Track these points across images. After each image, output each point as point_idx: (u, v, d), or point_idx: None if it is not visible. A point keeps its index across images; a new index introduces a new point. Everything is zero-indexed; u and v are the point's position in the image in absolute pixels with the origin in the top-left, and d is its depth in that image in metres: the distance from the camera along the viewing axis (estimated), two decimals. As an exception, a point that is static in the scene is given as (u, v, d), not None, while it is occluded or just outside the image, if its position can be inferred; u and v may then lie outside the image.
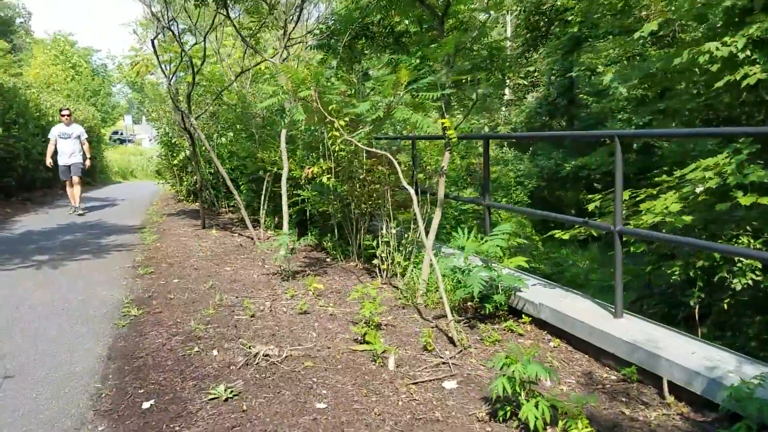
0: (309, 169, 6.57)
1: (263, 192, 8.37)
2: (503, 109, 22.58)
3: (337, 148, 6.27)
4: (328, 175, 6.47)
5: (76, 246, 7.91)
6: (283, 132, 7.22)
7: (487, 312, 4.47)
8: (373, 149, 5.45)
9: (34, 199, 13.51)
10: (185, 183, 11.99)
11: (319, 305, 5.07)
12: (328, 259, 6.99)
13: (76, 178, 11.06)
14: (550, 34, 18.85)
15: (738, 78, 4.32)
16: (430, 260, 5.31)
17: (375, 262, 5.89)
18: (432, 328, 4.48)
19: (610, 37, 14.27)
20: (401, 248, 5.88)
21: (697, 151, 6.18)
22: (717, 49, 4.45)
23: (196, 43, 8.97)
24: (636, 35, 7.99)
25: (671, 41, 11.40)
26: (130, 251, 7.52)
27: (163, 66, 10.00)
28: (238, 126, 10.54)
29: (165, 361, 3.88)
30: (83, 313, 4.92)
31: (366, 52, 9.13)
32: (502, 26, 23.12)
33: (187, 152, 11.10)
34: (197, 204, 11.84)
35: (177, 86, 11.82)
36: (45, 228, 9.52)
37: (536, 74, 20.41)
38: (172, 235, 8.60)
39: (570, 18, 12.79)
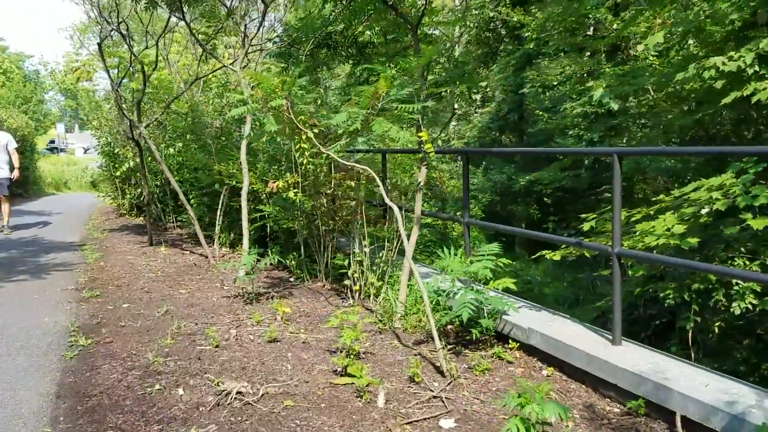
0: (274, 183, 6.18)
1: (219, 207, 7.88)
2: (454, 123, 22.67)
3: (305, 161, 5.92)
4: (295, 190, 6.10)
5: (12, 265, 7.19)
6: (244, 143, 6.81)
7: (473, 337, 4.21)
8: (353, 163, 5.13)
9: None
10: (128, 196, 11.29)
11: (289, 331, 4.68)
12: (291, 279, 6.58)
13: (2, 196, 9.94)
14: (500, 51, 19.11)
15: (746, 94, 4.27)
16: (415, 282, 5.04)
17: (346, 282, 5.54)
18: (415, 356, 4.17)
19: (561, 54, 14.53)
20: (374, 268, 5.56)
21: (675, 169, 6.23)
22: (723, 63, 4.39)
23: (146, 47, 8.41)
24: (640, 48, 8.03)
25: (625, 58, 11.64)
26: (71, 271, 6.88)
27: (109, 71, 9.41)
28: (188, 136, 10.01)
29: (123, 400, 3.41)
30: (25, 342, 4.35)
31: (327, 62, 8.84)
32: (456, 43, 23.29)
33: (131, 163, 10.45)
34: (142, 218, 11.18)
35: (122, 93, 11.17)
36: (-28, 244, 8.68)
37: (487, 90, 20.59)
38: (116, 252, 7.97)
39: (526, 35, 12.89)
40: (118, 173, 10.49)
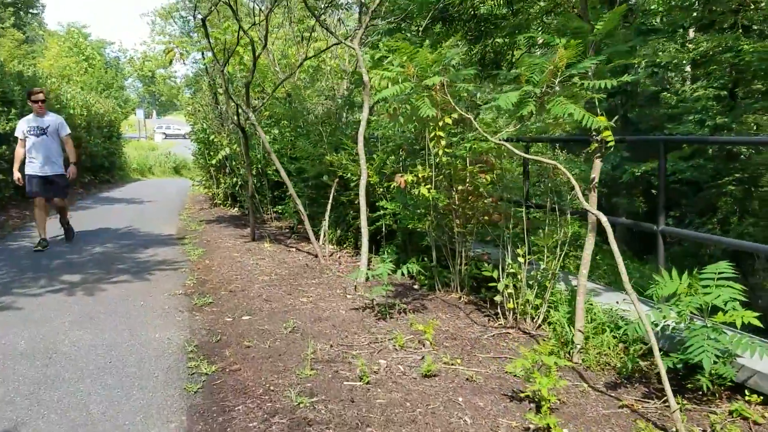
0: (401, 177, 5.33)
1: (328, 200, 7.15)
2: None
3: (440, 152, 5.06)
4: (428, 185, 5.24)
5: (111, 262, 6.72)
6: (362, 131, 6.03)
7: (705, 388, 3.22)
8: (540, 157, 4.20)
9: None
10: (222, 185, 10.79)
11: (444, 361, 3.84)
12: (416, 287, 5.76)
13: (59, 201, 7.80)
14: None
15: None
16: (580, 303, 4.09)
17: (497, 299, 4.64)
18: (621, 409, 3.24)
19: (681, 30, 12.98)
20: (531, 282, 4.64)
21: None
22: None
23: (253, 24, 7.71)
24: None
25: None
26: (175, 270, 6.32)
27: (213, 49, 8.84)
28: (283, 122, 9.35)
29: (274, 466, 2.67)
30: (137, 369, 3.71)
31: (441, 39, 7.91)
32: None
33: (227, 151, 9.91)
34: (237, 209, 10.69)
35: (214, 77, 10.65)
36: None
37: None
38: (219, 248, 7.40)
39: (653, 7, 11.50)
40: (213, 161, 9.98)
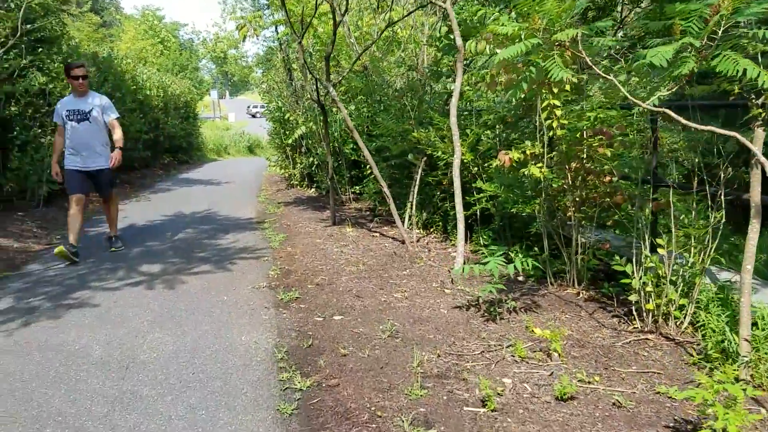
0: (506, 154, 4.64)
1: (413, 181, 6.55)
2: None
3: (555, 124, 4.33)
4: (539, 164, 4.54)
5: (191, 249, 6.42)
6: (454, 102, 5.35)
7: None
8: (713, 128, 3.42)
9: (133, 181, 12.42)
10: (299, 165, 10.40)
11: (579, 379, 3.19)
12: (520, 278, 5.09)
13: (111, 193, 6.58)
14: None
15: None
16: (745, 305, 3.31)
17: (632, 298, 3.91)
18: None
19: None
20: (674, 278, 3.87)
21: None
22: None
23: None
24: None
25: None
26: (258, 259, 5.92)
27: (276, 26, 8.37)
28: (361, 97, 8.78)
29: None
30: (223, 382, 3.26)
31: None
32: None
33: (304, 129, 9.47)
34: (313, 190, 10.28)
35: (288, 52, 10.18)
36: (149, 221, 8.17)
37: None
38: (300, 234, 6.97)
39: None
40: (289, 141, 9.57)
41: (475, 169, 5.82)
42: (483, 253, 5.83)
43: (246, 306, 4.50)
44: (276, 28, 9.80)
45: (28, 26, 8.30)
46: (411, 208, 6.55)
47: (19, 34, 7.99)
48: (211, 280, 5.24)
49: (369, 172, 8.66)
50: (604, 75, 3.15)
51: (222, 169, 16.63)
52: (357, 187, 9.67)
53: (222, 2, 72.39)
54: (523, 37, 3.40)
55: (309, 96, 9.18)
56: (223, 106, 53.39)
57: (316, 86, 6.57)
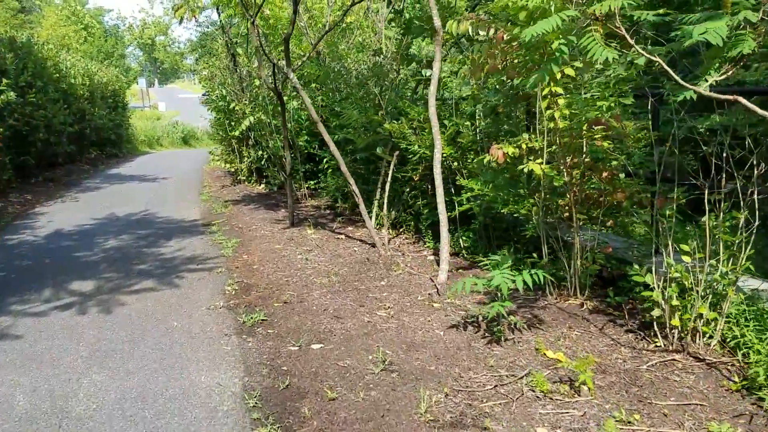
0: (499, 149, 4.10)
1: (380, 177, 5.94)
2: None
3: (557, 114, 3.83)
4: (538, 160, 4.01)
5: (129, 259, 5.58)
6: (432, 91, 4.77)
7: None
8: None
9: (58, 178, 11.23)
10: (246, 159, 9.57)
11: (618, 419, 2.68)
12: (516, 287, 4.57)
13: None
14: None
15: None
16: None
17: (655, 313, 3.44)
18: None
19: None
20: (699, 289, 3.43)
21: None
22: None
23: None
24: None
25: None
26: (210, 271, 5.16)
27: (219, 7, 7.56)
28: (315, 85, 8.08)
29: None
30: (186, 445, 2.57)
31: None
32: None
33: (251, 120, 8.66)
34: (262, 186, 9.50)
35: (232, 36, 9.32)
36: (77, 225, 7.20)
37: None
38: (256, 238, 6.23)
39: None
40: (236, 132, 8.74)
41: (455, 164, 5.27)
42: (466, 257, 5.32)
43: (202, 333, 3.78)
44: (218, 9, 8.91)
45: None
46: (383, 207, 5.94)
47: None
48: (156, 300, 4.46)
49: (326, 166, 8.00)
50: (649, 55, 2.63)
51: (156, 162, 15.46)
52: (311, 182, 8.98)
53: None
54: (553, 9, 2.83)
55: (261, 83, 8.37)
56: (153, 95, 50.90)
57: (274, 72, 5.82)
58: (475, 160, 5.04)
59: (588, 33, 2.66)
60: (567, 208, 4.23)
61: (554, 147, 4.09)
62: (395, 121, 5.57)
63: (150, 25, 64.44)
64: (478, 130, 5.25)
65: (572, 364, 3.04)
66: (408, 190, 6.31)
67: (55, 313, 4.19)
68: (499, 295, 3.58)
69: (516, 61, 4.08)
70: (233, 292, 4.55)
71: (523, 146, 4.10)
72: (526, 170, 3.95)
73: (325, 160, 8.07)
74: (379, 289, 4.50)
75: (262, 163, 9.06)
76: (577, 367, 2.98)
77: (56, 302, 4.43)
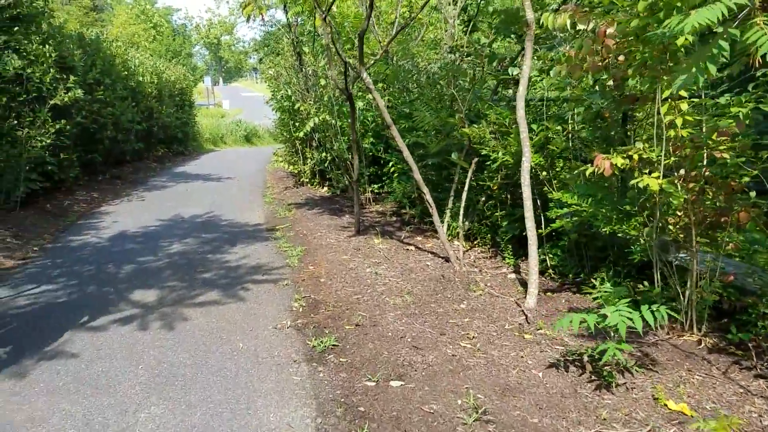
0: (605, 159, 3.58)
1: (463, 186, 5.48)
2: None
3: (679, 122, 3.29)
4: (654, 174, 3.47)
5: (193, 267, 5.34)
6: (522, 92, 4.29)
7: None
8: None
9: (125, 176, 11.29)
10: (310, 161, 9.29)
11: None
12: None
13: None
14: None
15: None
16: None
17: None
18: None
19: None
20: None
21: None
22: None
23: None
24: None
25: None
26: (275, 283, 4.85)
27: (286, 4, 7.30)
28: (381, 85, 7.69)
29: None
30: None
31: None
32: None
33: (316, 121, 8.35)
34: (325, 189, 9.21)
35: (299, 34, 9.06)
36: (143, 227, 7.07)
37: None
38: (321, 247, 5.89)
39: None
40: (300, 134, 8.46)
41: (543, 173, 4.76)
42: (553, 277, 4.80)
43: (269, 359, 3.44)
44: (285, 7, 8.65)
45: (1, 1, 7.14)
46: (456, 217, 5.47)
47: (-13, 8, 6.85)
48: (220, 315, 4.16)
49: (392, 170, 7.61)
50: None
51: (220, 161, 15.49)
52: (375, 186, 8.62)
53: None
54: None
55: (327, 83, 8.06)
56: (217, 93, 52.01)
57: (345, 71, 5.45)
58: (569, 170, 4.53)
59: (753, 24, 2.14)
60: (683, 228, 3.67)
61: (672, 158, 3.54)
62: (474, 125, 5.11)
63: (216, 24, 66.03)
64: (570, 137, 4.72)
65: (709, 425, 2.52)
66: (484, 199, 5.85)
67: (114, 328, 3.95)
68: (612, 333, 3.07)
69: (627, 58, 3.56)
70: (300, 310, 4.21)
71: (635, 157, 3.57)
72: (641, 185, 3.42)
73: (390, 163, 7.69)
74: (459, 314, 4.06)
75: (326, 165, 8.76)
76: (660, 397, 2.46)
77: (117, 314, 4.20)
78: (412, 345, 3.53)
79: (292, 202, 8.37)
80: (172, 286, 4.82)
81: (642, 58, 3.39)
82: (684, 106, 3.33)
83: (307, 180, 9.57)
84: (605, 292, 3.30)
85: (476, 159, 5.20)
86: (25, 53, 7.35)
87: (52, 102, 7.48)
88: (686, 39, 3.04)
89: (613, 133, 4.27)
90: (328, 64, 5.82)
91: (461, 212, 5.33)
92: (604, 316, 3.02)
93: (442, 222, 5.95)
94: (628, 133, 4.48)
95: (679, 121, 3.34)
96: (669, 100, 3.37)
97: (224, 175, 11.87)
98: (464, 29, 8.84)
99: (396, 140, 5.10)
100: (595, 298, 3.58)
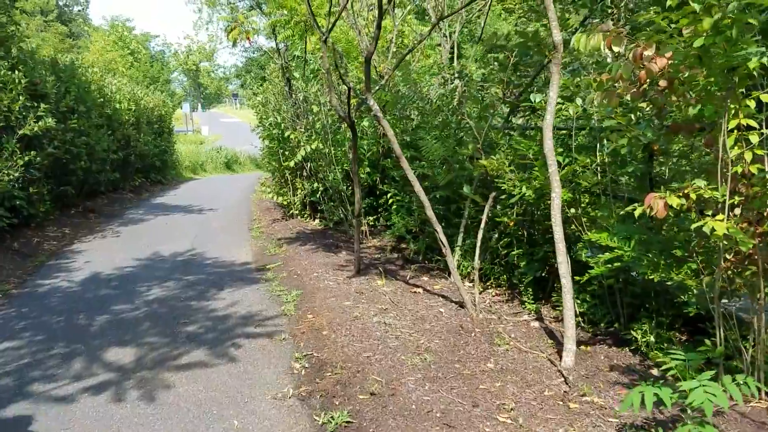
0: (659, 199, 3.10)
1: (465, 220, 4.99)
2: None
3: (748, 156, 2.84)
4: (719, 216, 3.00)
5: (175, 317, 4.73)
6: (549, 120, 3.85)
7: None
8: None
9: (99, 209, 10.61)
10: (300, 192, 8.74)
11: None
12: (653, 370, 3.54)
13: None
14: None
15: None
16: None
17: None
18: None
19: None
20: None
21: None
22: None
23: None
24: None
25: None
26: (270, 337, 4.26)
27: (275, 27, 6.86)
28: (390, 113, 7.22)
29: None
30: None
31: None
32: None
33: (307, 150, 7.84)
34: (317, 222, 8.65)
35: (288, 58, 8.60)
36: (119, 268, 6.43)
37: None
38: (319, 290, 5.31)
39: None
40: (291, 163, 7.92)
41: (572, 210, 4.28)
42: (584, 326, 4.29)
43: (273, 442, 2.85)
44: (273, 31, 8.19)
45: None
46: (475, 257, 4.94)
47: (-52, 31, 6.26)
48: (209, 381, 3.56)
49: (390, 201, 7.10)
50: None
51: (201, 190, 14.84)
52: (371, 218, 8.10)
53: (197, 11, 70.35)
54: None
55: (322, 110, 7.57)
56: (196, 119, 51.42)
57: (348, 97, 4.94)
58: (600, 207, 4.07)
59: None
60: (747, 277, 3.20)
61: (736, 197, 3.08)
62: (494, 157, 4.63)
63: (195, 51, 65.68)
64: (598, 170, 4.26)
65: None
66: (497, 236, 5.36)
67: (85, 399, 3.33)
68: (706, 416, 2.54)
69: (673, 84, 3.13)
70: (303, 372, 3.63)
71: (692, 196, 3.10)
72: (705, 229, 2.94)
73: (389, 194, 7.19)
74: (488, 377, 3.51)
75: (318, 196, 8.22)
76: None
77: (88, 380, 3.58)
78: (443, 422, 2.97)
79: (282, 237, 7.79)
80: (151, 342, 4.20)
81: (705, 83, 2.94)
82: (754, 139, 2.88)
83: (297, 212, 9.00)
84: (675, 358, 2.78)
85: (495, 194, 4.71)
86: (-9, 79, 6.76)
87: (21, 132, 6.85)
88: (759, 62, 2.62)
89: (666, 168, 3.82)
90: (327, 90, 5.31)
91: (477, 251, 4.82)
92: (682, 392, 2.51)
93: (445, 256, 5.45)
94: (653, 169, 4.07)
95: (748, 156, 2.90)
96: (735, 131, 2.92)
97: (206, 206, 11.24)
98: (450, 56, 8.47)
99: (406, 173, 4.59)
100: (663, 369, 3.05)
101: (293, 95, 8.42)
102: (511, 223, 5.04)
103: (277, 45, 8.33)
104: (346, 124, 8.11)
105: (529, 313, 4.76)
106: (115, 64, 38.18)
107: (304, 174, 8.54)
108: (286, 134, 8.09)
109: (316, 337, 4.19)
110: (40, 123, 6.98)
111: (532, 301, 4.88)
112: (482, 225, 4.80)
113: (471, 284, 5.25)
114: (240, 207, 11.21)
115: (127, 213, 10.58)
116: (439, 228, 4.65)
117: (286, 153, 8.34)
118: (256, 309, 4.91)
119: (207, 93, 74.13)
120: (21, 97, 6.86)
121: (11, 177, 6.67)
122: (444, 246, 4.68)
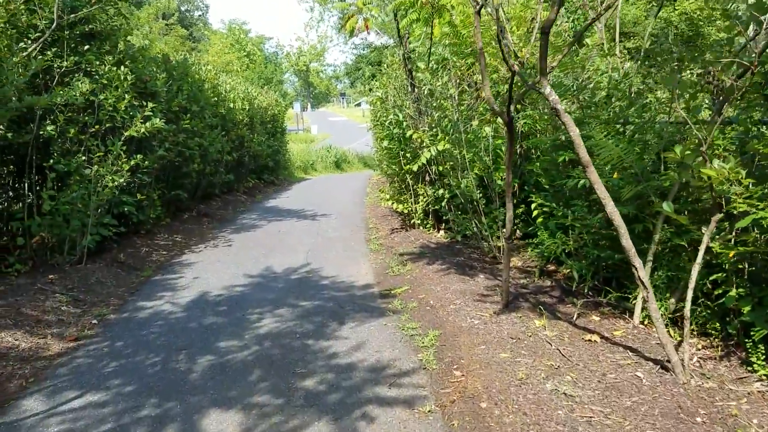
0: None
1: (654, 245, 3.69)
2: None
3: None
4: None
5: (288, 365, 3.81)
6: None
7: None
8: None
9: (212, 212, 10.17)
10: (422, 199, 7.68)
11: None
12: None
13: None
14: None
15: None
16: None
17: None
18: None
19: None
20: None
21: None
22: None
23: None
24: None
25: None
26: (410, 408, 3.21)
27: (396, 12, 5.86)
28: (518, 105, 5.98)
29: None
30: None
31: None
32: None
33: (433, 152, 6.77)
34: (441, 234, 7.55)
35: (412, 48, 7.56)
36: (228, 287, 5.69)
37: None
38: (462, 331, 4.20)
39: None
40: (414, 167, 6.89)
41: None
42: None
43: None
44: (396, 16, 7.20)
45: (72, 16, 6.08)
46: (687, 301, 3.65)
47: (54, 24, 5.78)
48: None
49: (535, 213, 5.86)
50: None
51: (313, 191, 14.25)
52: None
53: (309, 9, 71.76)
54: None
55: (450, 105, 6.47)
56: (306, 118, 52.30)
57: (510, 85, 3.78)
58: None
59: None
60: None
61: None
62: (719, 164, 3.29)
63: (305, 52, 67.11)
64: None
65: None
66: (700, 268, 3.98)
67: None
68: None
69: None
70: (466, 477, 2.54)
71: None
72: None
73: (533, 205, 5.95)
74: None
75: (443, 204, 7.12)
76: None
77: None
78: None
79: (404, 252, 6.77)
80: (261, 404, 3.29)
81: None
82: None
83: (419, 221, 7.96)
84: None
85: (719, 215, 3.37)
86: (97, 76, 6.26)
87: (127, 134, 6.31)
88: None
89: None
90: (482, 79, 4.18)
91: (689, 293, 3.49)
92: None
93: (635, 294, 4.16)
94: None
95: None
96: None
97: (319, 211, 10.50)
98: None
99: (595, 188, 3.37)
100: None
101: (416, 89, 7.38)
102: (731, 254, 3.67)
103: (399, 31, 7.32)
104: (476, 122, 6.97)
105: (761, 381, 3.39)
106: (232, 66, 39.39)
107: (427, 179, 7.47)
108: (408, 134, 7.05)
109: (473, 412, 3.08)
110: (147, 124, 6.40)
111: (764, 364, 3.50)
112: (698, 258, 3.47)
113: (685, 339, 3.93)
114: (353, 212, 10.37)
115: (240, 217, 10.06)
116: (638, 263, 3.39)
117: (408, 155, 7.31)
118: (387, 357, 3.89)
119: (316, 92, 75.67)
120: (127, 96, 6.32)
121: (116, 183, 6.14)
122: (646, 288, 3.40)
